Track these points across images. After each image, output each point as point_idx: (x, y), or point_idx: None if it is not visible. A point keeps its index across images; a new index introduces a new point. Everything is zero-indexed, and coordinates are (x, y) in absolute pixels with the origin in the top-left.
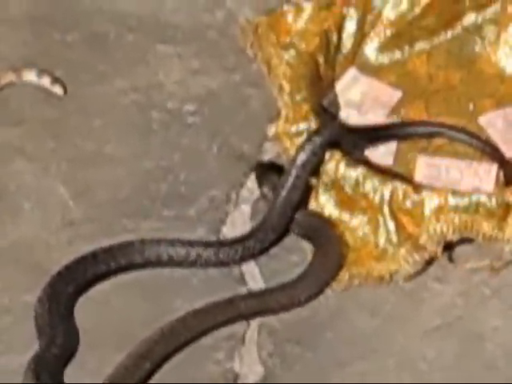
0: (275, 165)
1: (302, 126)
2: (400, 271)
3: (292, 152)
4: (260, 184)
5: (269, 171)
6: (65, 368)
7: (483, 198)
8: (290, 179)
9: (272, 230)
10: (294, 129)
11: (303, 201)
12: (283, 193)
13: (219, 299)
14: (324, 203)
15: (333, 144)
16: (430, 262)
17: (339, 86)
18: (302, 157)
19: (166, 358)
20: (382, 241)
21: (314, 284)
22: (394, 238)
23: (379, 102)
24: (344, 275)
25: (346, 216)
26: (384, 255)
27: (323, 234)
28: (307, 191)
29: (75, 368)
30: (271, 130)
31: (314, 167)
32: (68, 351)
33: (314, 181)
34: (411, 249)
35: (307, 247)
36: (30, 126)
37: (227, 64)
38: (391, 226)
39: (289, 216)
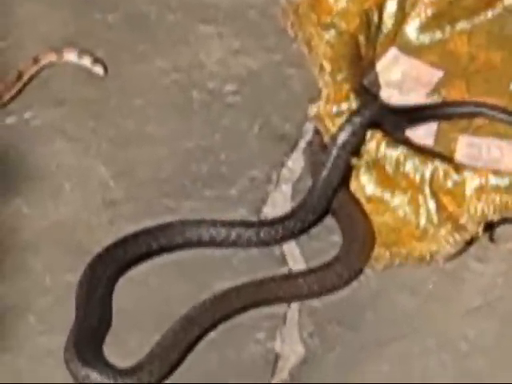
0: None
1: (343, 106)
2: (441, 251)
3: (333, 132)
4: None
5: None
6: (102, 343)
7: None
8: (331, 159)
9: (312, 210)
10: (335, 109)
11: (344, 181)
12: (324, 173)
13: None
14: (365, 183)
15: (373, 124)
16: (470, 242)
17: (380, 66)
18: (342, 137)
19: (214, 324)
20: (422, 221)
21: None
22: (435, 218)
23: (420, 82)
24: (385, 255)
25: (387, 195)
26: (425, 235)
27: (348, 211)
28: (348, 171)
29: (115, 348)
30: (312, 111)
31: (355, 147)
32: (100, 329)
33: (354, 160)
34: (452, 229)
35: None
36: (71, 106)
37: (268, 44)
38: (432, 205)
39: (329, 196)
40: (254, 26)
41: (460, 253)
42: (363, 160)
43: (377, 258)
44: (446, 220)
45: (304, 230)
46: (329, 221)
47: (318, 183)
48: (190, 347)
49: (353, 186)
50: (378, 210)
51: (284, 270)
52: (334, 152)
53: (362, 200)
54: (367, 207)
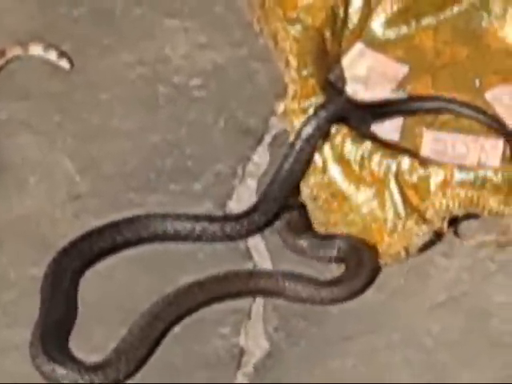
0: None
1: (309, 101)
2: (411, 244)
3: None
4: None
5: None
6: (67, 337)
7: (489, 173)
8: (294, 152)
9: (274, 202)
10: (300, 105)
11: (304, 174)
12: (286, 165)
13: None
14: (331, 177)
15: (339, 119)
16: (436, 238)
17: (346, 61)
18: (306, 130)
19: (180, 318)
20: (390, 215)
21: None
22: (402, 211)
23: (386, 77)
24: None
25: (352, 191)
26: (394, 229)
27: (357, 253)
28: (309, 164)
29: (81, 341)
30: (279, 108)
31: (319, 141)
32: (66, 323)
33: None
34: (418, 220)
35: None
36: (36, 100)
37: (234, 38)
38: (398, 199)
39: (290, 188)
40: (220, 20)
41: (426, 248)
42: (331, 154)
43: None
44: (412, 212)
45: (268, 223)
46: None
47: (278, 175)
48: (156, 342)
49: (322, 179)
50: (344, 207)
51: (249, 265)
52: (298, 145)
53: (328, 196)
54: (333, 204)
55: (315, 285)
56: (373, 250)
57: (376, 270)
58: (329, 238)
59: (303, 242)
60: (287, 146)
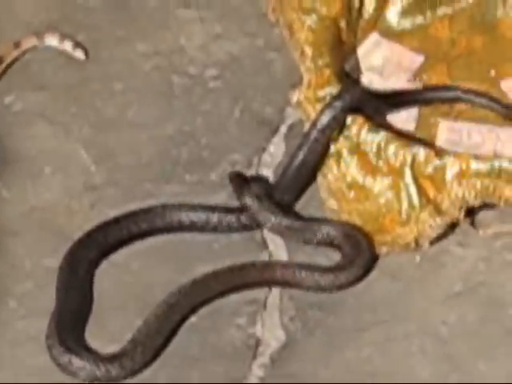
0: (252, 177)
1: (324, 91)
2: (423, 235)
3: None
4: (239, 195)
5: (247, 182)
6: (84, 328)
7: (505, 163)
8: (309, 142)
9: (287, 192)
10: (316, 94)
11: (319, 164)
12: (300, 155)
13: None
14: (347, 167)
15: (355, 109)
16: (452, 227)
17: (361, 51)
18: (321, 121)
19: (196, 308)
20: (404, 206)
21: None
22: (416, 203)
23: (401, 67)
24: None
25: (369, 181)
26: (408, 220)
27: (353, 240)
28: (324, 155)
29: (97, 332)
30: (294, 97)
31: (334, 131)
32: (81, 314)
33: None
34: (433, 212)
35: (327, 213)
36: (52, 91)
37: (249, 29)
38: (413, 190)
39: (304, 178)
40: (236, 11)
41: (441, 238)
42: (345, 145)
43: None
44: (426, 204)
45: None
46: (310, 207)
47: (292, 165)
48: (172, 333)
49: (336, 171)
50: (360, 197)
51: (265, 255)
52: (313, 135)
53: (343, 186)
54: (349, 194)
55: (317, 272)
56: (367, 236)
57: (374, 255)
58: (316, 221)
59: (288, 222)
60: (302, 136)
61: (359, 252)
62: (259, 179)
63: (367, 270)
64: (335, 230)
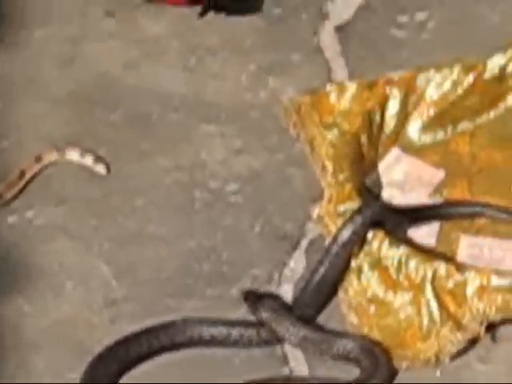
0: (266, 294)
1: (345, 206)
2: (443, 351)
3: (334, 232)
4: (254, 311)
5: (261, 297)
6: None
7: None
8: (330, 257)
9: (308, 307)
10: (337, 209)
11: (339, 279)
12: (321, 270)
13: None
14: (368, 282)
15: (375, 223)
16: (473, 342)
17: (382, 166)
18: (342, 235)
19: None
20: (425, 321)
21: None
22: (437, 318)
23: (422, 182)
24: None
25: (389, 296)
26: (428, 335)
27: (371, 354)
28: (345, 270)
29: None
30: (315, 212)
31: (355, 246)
32: None
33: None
34: (454, 328)
35: (348, 328)
36: (73, 205)
37: (270, 144)
38: (434, 305)
39: (325, 293)
40: (256, 126)
41: (462, 353)
42: (366, 259)
43: None
44: (447, 319)
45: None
46: (332, 322)
47: (313, 280)
48: None
49: (355, 286)
50: (381, 312)
51: (285, 370)
52: (334, 250)
53: (364, 301)
54: (370, 309)
55: None
56: (386, 351)
57: (392, 370)
58: (334, 333)
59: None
60: (323, 251)
61: (377, 367)
62: (273, 295)
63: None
64: (353, 343)
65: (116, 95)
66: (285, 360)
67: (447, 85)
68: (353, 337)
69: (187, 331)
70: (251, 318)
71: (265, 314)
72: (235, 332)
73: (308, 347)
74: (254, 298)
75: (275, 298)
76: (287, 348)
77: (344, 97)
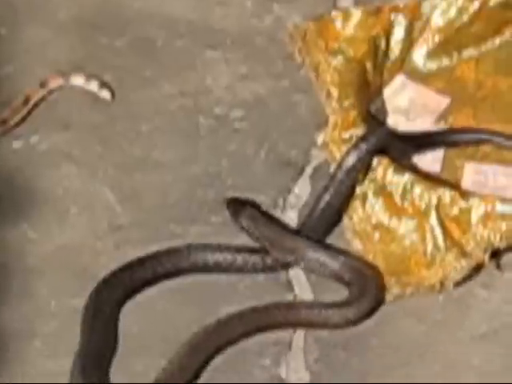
0: (248, 201)
1: (350, 132)
2: (448, 277)
3: (339, 158)
4: (236, 217)
5: (243, 205)
6: (108, 368)
7: None
8: (334, 184)
9: (313, 233)
10: (341, 136)
11: (344, 205)
12: (325, 197)
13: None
14: (373, 209)
15: (380, 150)
16: (477, 269)
17: (387, 93)
18: (347, 162)
19: (220, 349)
20: (429, 248)
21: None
22: (442, 245)
23: (427, 109)
24: (395, 284)
25: (394, 223)
26: (432, 262)
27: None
28: (350, 196)
29: (121, 372)
30: (320, 138)
31: (359, 173)
32: (106, 354)
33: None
34: (458, 255)
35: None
36: (78, 131)
37: (275, 70)
38: (438, 232)
39: (330, 220)
40: (261, 52)
41: (466, 280)
42: (370, 186)
43: (387, 288)
44: (452, 246)
45: None
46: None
47: (318, 207)
48: (196, 373)
49: (359, 213)
50: (385, 238)
51: (290, 296)
52: (339, 177)
53: (369, 228)
54: (374, 236)
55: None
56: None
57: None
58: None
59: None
60: (328, 178)
61: (365, 289)
62: (255, 203)
63: (374, 308)
64: (338, 261)
65: (121, 21)
66: (289, 286)
67: (452, 11)
68: (341, 254)
69: (191, 257)
70: (255, 244)
71: (245, 222)
72: (240, 258)
73: (288, 257)
74: (235, 205)
75: (257, 206)
76: (292, 274)
77: (349, 23)
